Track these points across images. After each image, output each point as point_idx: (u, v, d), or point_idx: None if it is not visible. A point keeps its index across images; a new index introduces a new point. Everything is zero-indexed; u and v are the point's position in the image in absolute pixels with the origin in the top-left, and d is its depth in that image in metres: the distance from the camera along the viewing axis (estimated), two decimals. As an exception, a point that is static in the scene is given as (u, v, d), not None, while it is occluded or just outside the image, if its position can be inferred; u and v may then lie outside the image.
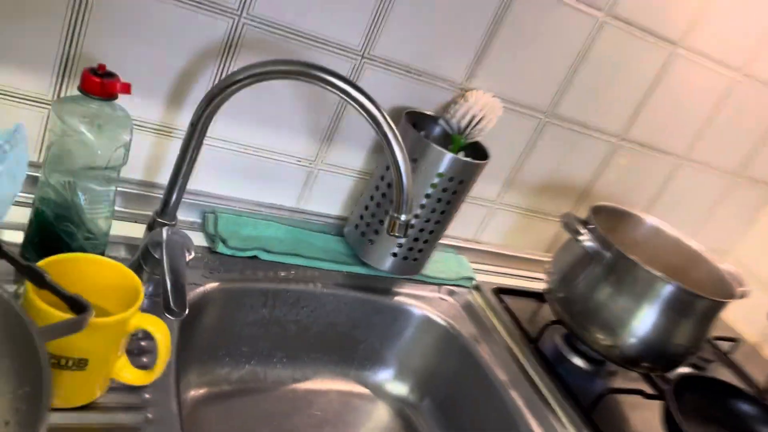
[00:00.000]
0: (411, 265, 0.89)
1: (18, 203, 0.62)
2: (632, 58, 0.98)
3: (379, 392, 0.93)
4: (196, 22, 0.72)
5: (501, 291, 1.01)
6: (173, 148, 0.77)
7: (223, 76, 0.76)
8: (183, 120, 0.77)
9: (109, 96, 0.58)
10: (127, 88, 0.59)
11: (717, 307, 0.87)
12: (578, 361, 0.94)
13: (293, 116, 0.83)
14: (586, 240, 0.84)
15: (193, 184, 0.83)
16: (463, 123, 0.86)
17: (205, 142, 0.79)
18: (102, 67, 0.58)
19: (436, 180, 0.81)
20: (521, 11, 0.86)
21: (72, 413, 0.55)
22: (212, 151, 0.81)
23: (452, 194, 0.83)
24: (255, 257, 0.83)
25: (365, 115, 0.59)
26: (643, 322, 0.84)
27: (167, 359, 0.56)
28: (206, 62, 0.75)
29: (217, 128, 0.80)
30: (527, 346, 0.92)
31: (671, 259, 0.97)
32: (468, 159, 0.83)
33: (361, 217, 0.88)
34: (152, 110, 0.76)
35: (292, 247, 0.87)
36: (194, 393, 0.79)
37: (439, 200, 0.83)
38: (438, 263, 1.00)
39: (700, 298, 0.84)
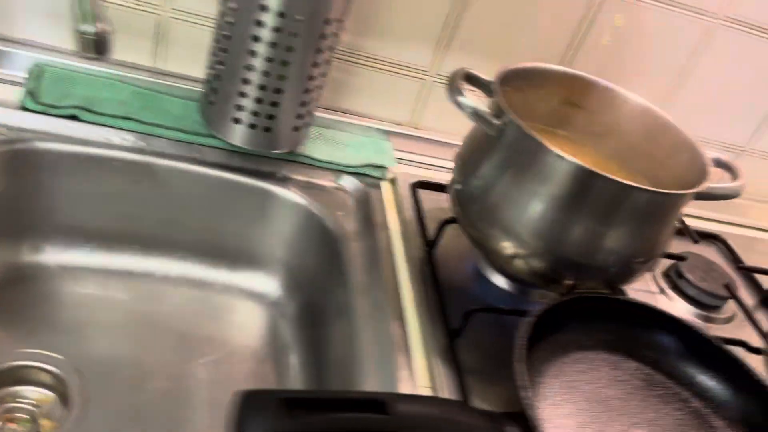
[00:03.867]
0: (265, 137, 0.70)
1: None
2: None
3: (242, 290, 0.78)
4: None
5: (422, 185, 0.79)
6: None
7: None
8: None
9: None
10: None
11: (662, 201, 0.58)
12: (499, 280, 0.70)
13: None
14: (466, 103, 0.60)
15: (17, 32, 0.72)
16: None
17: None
18: None
19: (262, 17, 0.62)
20: None
21: None
22: (29, -9, 0.70)
23: (291, 36, 0.63)
24: (74, 117, 0.70)
25: None
26: (550, 220, 0.59)
27: None
28: None
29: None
30: (422, 249, 0.70)
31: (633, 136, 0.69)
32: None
33: (208, 72, 0.71)
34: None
35: (131, 111, 0.73)
36: (-1, 268, 0.70)
37: (274, 45, 0.63)
38: (344, 146, 0.80)
39: (628, 189, 0.56)
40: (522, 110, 0.66)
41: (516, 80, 0.66)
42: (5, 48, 0.71)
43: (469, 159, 0.64)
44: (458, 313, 0.61)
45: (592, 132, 0.72)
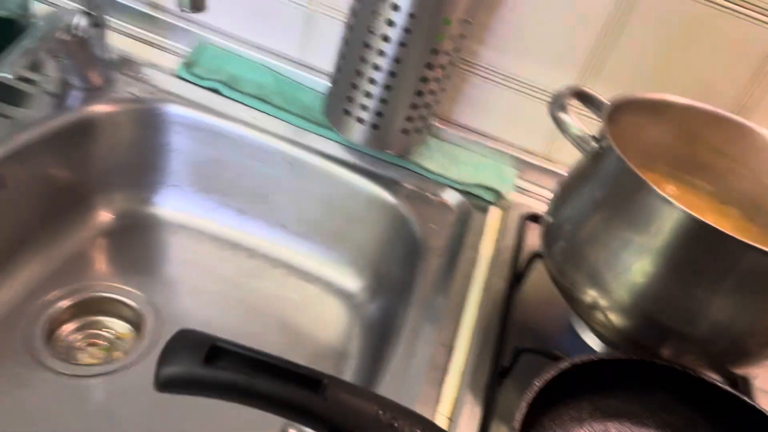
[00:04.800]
0: (373, 134, 0.69)
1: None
2: None
3: (331, 284, 0.77)
4: None
5: (534, 219, 0.72)
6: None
7: None
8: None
9: None
10: None
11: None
12: (589, 337, 0.61)
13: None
14: (564, 118, 0.53)
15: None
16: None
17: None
18: None
19: (379, 8, 0.61)
20: None
21: None
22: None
23: (404, 32, 0.61)
24: (216, 91, 0.76)
25: None
26: (643, 272, 0.49)
27: None
28: None
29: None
30: (506, 280, 0.64)
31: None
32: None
33: (334, 65, 0.72)
34: None
35: (265, 93, 0.77)
36: (109, 216, 0.77)
37: (386, 38, 0.62)
38: (461, 164, 0.76)
39: (744, 249, 0.45)
40: (643, 147, 0.58)
41: (643, 111, 0.57)
42: (180, 23, 0.80)
43: (567, 190, 0.57)
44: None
45: (734, 186, 0.60)
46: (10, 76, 0.60)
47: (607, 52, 0.70)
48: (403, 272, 0.70)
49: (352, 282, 0.76)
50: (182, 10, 0.51)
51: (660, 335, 0.52)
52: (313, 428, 0.34)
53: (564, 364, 0.43)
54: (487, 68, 0.74)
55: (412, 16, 0.61)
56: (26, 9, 0.72)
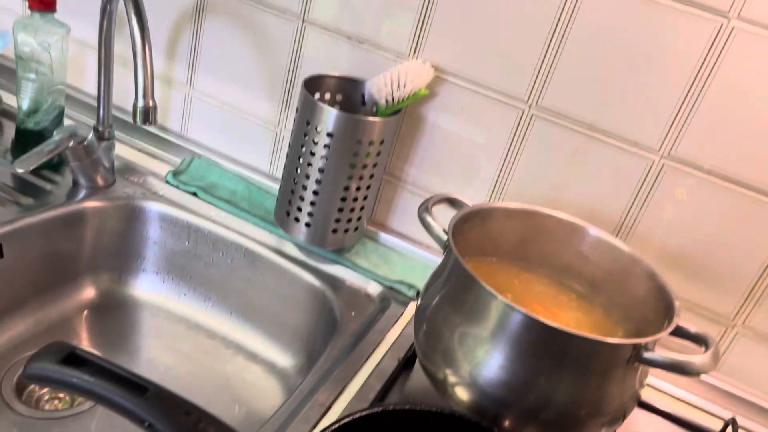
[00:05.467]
0: (309, 232, 0.82)
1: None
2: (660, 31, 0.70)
3: (274, 365, 0.87)
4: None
5: (445, 313, 0.81)
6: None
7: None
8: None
9: (40, 8, 0.82)
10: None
11: (592, 348, 0.53)
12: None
13: (253, 75, 0.91)
14: (425, 217, 0.64)
15: (186, 131, 0.99)
16: (384, 90, 0.78)
17: (193, 94, 0.96)
18: (44, -10, 0.83)
19: (310, 132, 0.77)
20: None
21: None
22: (199, 104, 0.96)
23: (325, 148, 0.76)
24: (195, 194, 0.92)
25: None
26: (489, 356, 0.58)
27: None
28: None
29: (202, 82, 0.95)
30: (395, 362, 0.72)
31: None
32: (340, 111, 0.75)
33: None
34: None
35: (234, 198, 0.92)
36: (94, 292, 0.91)
37: (312, 154, 0.77)
38: (392, 264, 0.88)
39: (562, 334, 0.53)
40: (510, 249, 0.69)
41: (505, 218, 0.69)
42: (177, 141, 0.99)
43: (432, 279, 0.67)
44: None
45: (599, 288, 0.68)
46: (21, 171, 0.78)
47: (510, 175, 0.82)
48: (324, 351, 0.80)
49: (287, 361, 0.86)
50: (135, 123, 0.68)
51: (499, 407, 0.59)
52: (137, 424, 0.45)
53: (373, 409, 0.52)
54: (413, 184, 0.88)
55: (330, 135, 0.76)
56: (58, 125, 0.92)
